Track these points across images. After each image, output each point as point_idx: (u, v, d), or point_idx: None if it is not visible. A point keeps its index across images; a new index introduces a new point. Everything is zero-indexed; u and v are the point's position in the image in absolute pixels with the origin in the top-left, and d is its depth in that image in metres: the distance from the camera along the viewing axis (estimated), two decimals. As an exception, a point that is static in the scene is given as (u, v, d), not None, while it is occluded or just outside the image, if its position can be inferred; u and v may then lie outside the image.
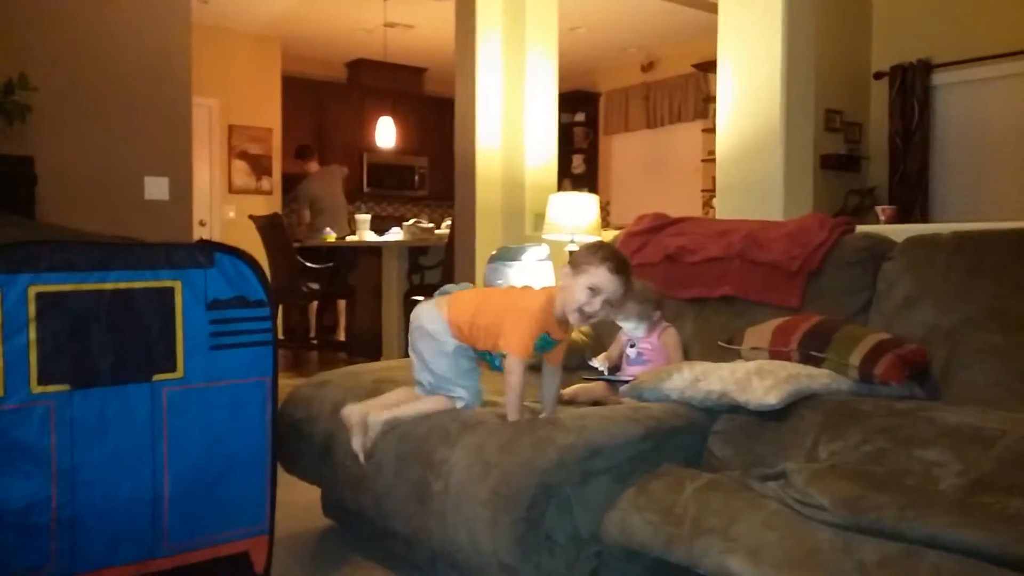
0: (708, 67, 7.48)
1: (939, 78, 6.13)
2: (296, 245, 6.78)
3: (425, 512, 2.10)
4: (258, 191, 8.59)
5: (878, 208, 5.30)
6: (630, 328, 2.90)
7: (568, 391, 2.58)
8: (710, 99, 7.87)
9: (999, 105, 5.94)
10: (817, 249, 2.82)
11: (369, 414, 2.33)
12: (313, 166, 8.12)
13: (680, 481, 1.98)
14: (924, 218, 6.01)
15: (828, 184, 5.92)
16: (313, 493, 2.87)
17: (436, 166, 9.76)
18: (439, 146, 9.06)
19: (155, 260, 1.98)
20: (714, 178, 4.26)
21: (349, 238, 7.17)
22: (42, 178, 4.11)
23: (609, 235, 3.97)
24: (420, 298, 2.46)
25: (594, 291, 2.17)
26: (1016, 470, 1.68)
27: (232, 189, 8.44)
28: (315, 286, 6.80)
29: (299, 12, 7.81)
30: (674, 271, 3.15)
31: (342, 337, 7.43)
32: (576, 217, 4.18)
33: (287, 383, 2.92)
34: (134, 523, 1.95)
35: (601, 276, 2.18)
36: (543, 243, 4.46)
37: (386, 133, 8.32)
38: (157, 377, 1.97)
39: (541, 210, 4.58)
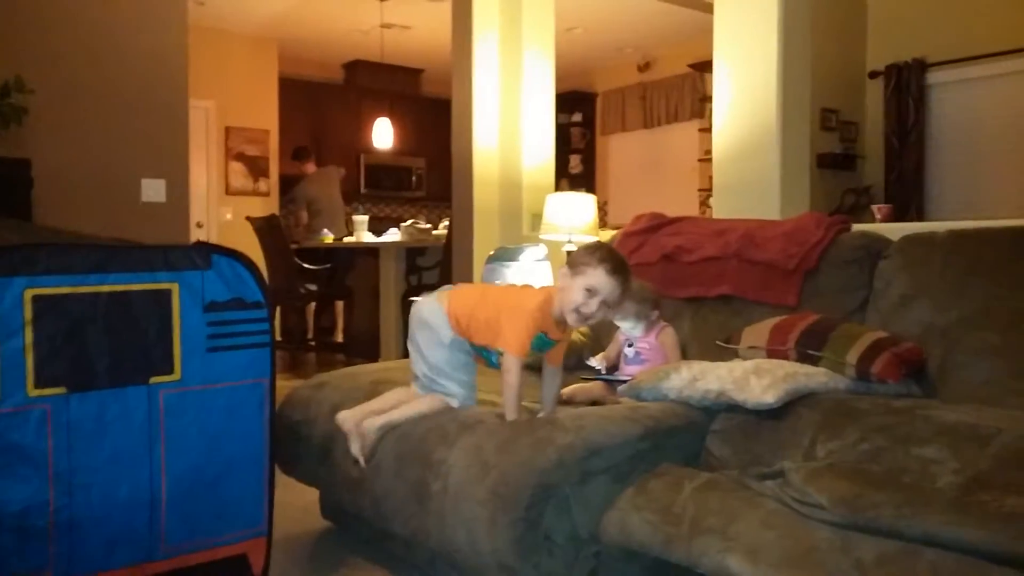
0: (704, 67, 7.48)
1: (934, 77, 6.14)
2: (293, 246, 6.77)
3: (424, 513, 2.09)
4: (255, 193, 8.59)
5: (874, 207, 5.30)
6: (628, 328, 2.90)
7: (566, 391, 2.58)
8: (706, 99, 7.87)
9: (994, 103, 5.95)
10: (814, 248, 2.82)
11: (363, 421, 2.32)
12: (310, 167, 8.11)
13: (678, 481, 1.99)
14: (920, 217, 6.02)
15: (824, 183, 5.93)
16: (311, 495, 2.86)
17: (433, 167, 9.76)
18: (436, 147, 9.06)
19: (152, 262, 1.97)
20: (711, 178, 4.26)
21: (347, 239, 7.17)
22: (38, 180, 4.11)
23: (606, 235, 3.97)
24: (418, 299, 2.46)
25: (591, 292, 2.17)
26: (1013, 468, 1.69)
27: (229, 191, 8.44)
28: (313, 287, 6.79)
29: (296, 14, 7.81)
30: (671, 271, 3.15)
31: (340, 338, 7.43)
32: (573, 217, 4.18)
33: (285, 385, 2.92)
34: (132, 525, 1.95)
35: (598, 277, 2.17)
36: (541, 243, 4.46)
37: (383, 134, 8.31)
38: (154, 379, 1.97)
39: (538, 210, 4.58)
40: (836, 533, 1.65)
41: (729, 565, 1.70)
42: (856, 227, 2.99)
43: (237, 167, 8.47)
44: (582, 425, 2.08)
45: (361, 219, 7.12)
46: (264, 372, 2.14)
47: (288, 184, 8.41)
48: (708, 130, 6.31)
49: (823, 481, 1.75)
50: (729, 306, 2.97)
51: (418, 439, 2.21)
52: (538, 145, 5.21)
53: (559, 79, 5.45)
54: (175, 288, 2.00)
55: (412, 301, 2.44)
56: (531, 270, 4.33)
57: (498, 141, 5.15)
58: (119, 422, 1.91)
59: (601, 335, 3.17)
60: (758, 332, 2.57)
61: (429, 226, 6.78)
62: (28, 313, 1.81)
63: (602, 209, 9.07)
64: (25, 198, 4.06)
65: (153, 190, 4.59)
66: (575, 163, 10.14)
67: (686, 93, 9.05)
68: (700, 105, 8.57)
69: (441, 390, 2.33)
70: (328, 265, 6.91)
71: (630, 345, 2.90)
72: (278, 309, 6.88)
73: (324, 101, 9.36)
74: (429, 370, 2.34)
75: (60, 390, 1.85)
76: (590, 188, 9.43)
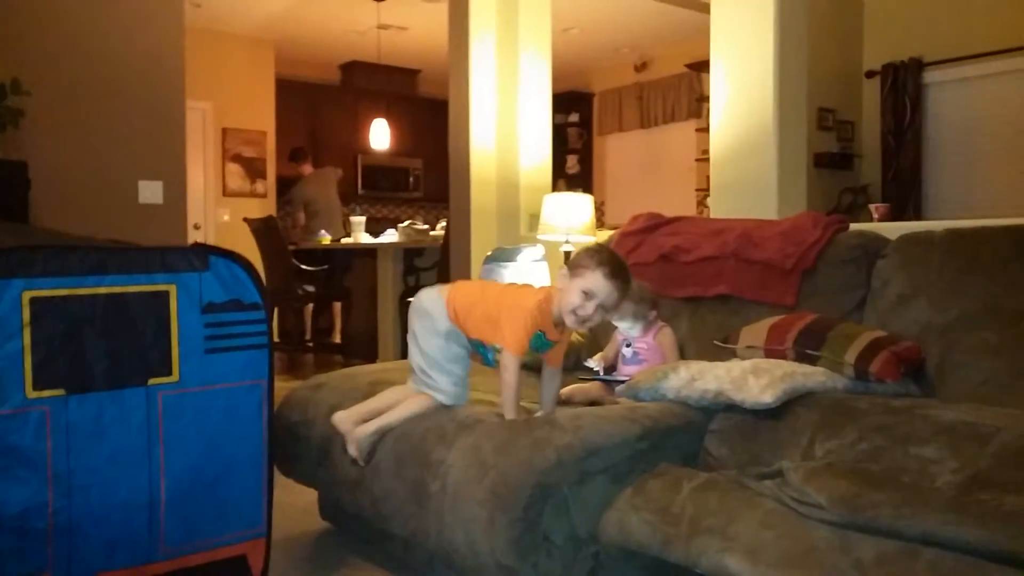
0: (701, 67, 7.49)
1: (931, 76, 6.15)
2: (291, 248, 6.77)
3: (422, 513, 2.09)
4: (252, 194, 8.58)
5: (871, 206, 5.31)
6: (626, 328, 2.90)
7: (564, 391, 2.58)
8: (703, 99, 7.88)
9: (991, 102, 5.96)
10: (811, 247, 2.82)
11: (356, 429, 2.32)
12: (307, 169, 8.11)
13: (677, 481, 1.99)
14: (917, 216, 6.03)
15: (821, 182, 5.94)
16: (310, 496, 2.87)
17: (431, 168, 9.76)
18: (433, 148, 9.06)
19: (150, 264, 1.97)
20: (708, 177, 4.26)
21: (344, 240, 7.17)
22: (36, 183, 4.10)
23: (604, 235, 3.98)
24: (420, 292, 2.46)
25: (588, 295, 2.17)
26: (1012, 467, 1.69)
27: (226, 192, 8.43)
28: (310, 288, 6.79)
29: (292, 15, 7.81)
30: (669, 270, 3.15)
31: (338, 339, 7.43)
32: (571, 217, 4.18)
33: (283, 386, 2.92)
34: (131, 527, 1.95)
35: (596, 281, 2.17)
36: (538, 244, 4.47)
37: (380, 135, 8.31)
38: (152, 381, 1.97)
39: (536, 211, 4.58)
40: (835, 533, 1.65)
41: (728, 565, 1.70)
42: (854, 226, 2.99)
43: (234, 168, 8.46)
44: (580, 425, 2.08)
45: (358, 220, 7.12)
46: (262, 373, 2.14)
47: (285, 185, 8.41)
48: (705, 130, 6.32)
49: (822, 481, 1.75)
50: (727, 306, 2.97)
51: (417, 439, 2.21)
52: (535, 145, 5.21)
53: (556, 79, 5.45)
54: (173, 290, 2.00)
55: (410, 302, 2.44)
56: (529, 270, 4.34)
57: (495, 141, 5.15)
58: (118, 424, 1.92)
59: (599, 335, 3.17)
60: (756, 332, 2.57)
61: (426, 227, 6.78)
62: (26, 315, 1.81)
63: (599, 209, 9.07)
64: (22, 200, 4.05)
65: (150, 192, 4.59)
66: (572, 163, 10.14)
67: (683, 93, 9.05)
68: (697, 105, 8.58)
69: (432, 384, 2.32)
70: (326, 266, 6.91)
71: (628, 345, 2.91)
72: (276, 310, 6.88)
73: (321, 102, 9.35)
74: (423, 360, 2.33)
75: (59, 392, 1.85)
76: (587, 188, 9.43)
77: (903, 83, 6.15)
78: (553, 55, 5.32)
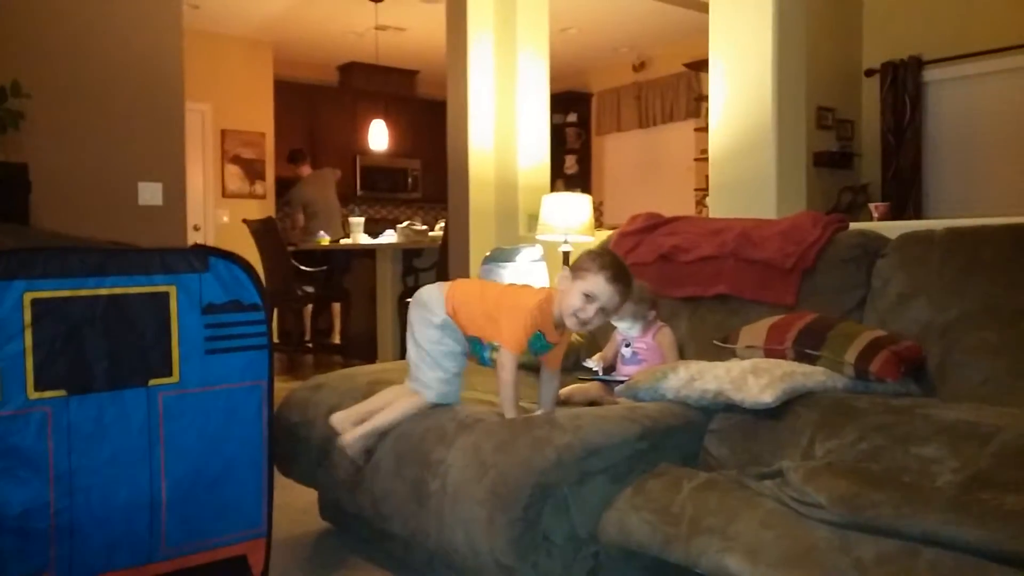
0: (700, 66, 7.48)
1: (930, 74, 6.14)
2: (290, 249, 6.77)
3: (422, 512, 2.10)
4: (251, 195, 8.58)
5: (871, 205, 5.31)
6: (625, 328, 2.90)
7: (564, 391, 2.58)
8: (702, 98, 7.88)
9: (991, 101, 5.95)
10: (811, 247, 2.82)
11: (345, 435, 2.33)
12: (306, 170, 8.11)
13: (677, 480, 1.99)
14: (917, 215, 6.02)
15: (821, 182, 5.94)
16: (310, 496, 2.87)
17: (429, 168, 9.76)
18: (432, 148, 9.07)
19: (150, 265, 1.98)
20: (707, 177, 4.26)
21: (343, 241, 7.17)
22: (36, 185, 4.11)
23: (602, 235, 3.98)
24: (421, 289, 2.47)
25: (589, 298, 2.17)
26: (1013, 466, 1.69)
27: (225, 193, 8.44)
28: (310, 289, 6.80)
29: (290, 16, 7.81)
30: (668, 270, 3.15)
31: (337, 340, 7.43)
32: (569, 217, 4.18)
33: (283, 387, 2.92)
34: (132, 527, 1.95)
35: (597, 284, 2.17)
36: (537, 244, 4.47)
37: (379, 136, 8.32)
38: (153, 382, 1.97)
39: (534, 211, 4.59)
40: (835, 532, 1.65)
41: (728, 565, 1.70)
42: (853, 226, 2.99)
43: (233, 170, 8.47)
44: (580, 425, 2.08)
45: (357, 221, 7.13)
46: (262, 374, 2.14)
47: (284, 187, 8.42)
48: (704, 129, 6.32)
49: (822, 480, 1.75)
50: (726, 306, 2.97)
51: (417, 439, 2.21)
52: (533, 145, 5.22)
53: (554, 79, 5.46)
54: (173, 291, 2.00)
55: (409, 302, 2.44)
56: (527, 271, 4.34)
57: (493, 142, 5.16)
58: (118, 424, 1.92)
59: (598, 335, 3.17)
60: (755, 331, 2.58)
61: (425, 227, 6.78)
62: (27, 316, 1.81)
63: (598, 209, 9.08)
64: (23, 202, 4.06)
65: (150, 193, 4.59)
66: (571, 163, 10.15)
67: (681, 92, 9.06)
68: (696, 104, 8.58)
69: (420, 379, 2.31)
70: (325, 267, 6.91)
71: (627, 345, 2.91)
72: (275, 311, 6.88)
73: (319, 103, 9.36)
74: (416, 353, 2.33)
75: (60, 393, 1.85)
76: (586, 188, 9.44)
77: (903, 81, 6.15)
78: (551, 55, 5.33)
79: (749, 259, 2.95)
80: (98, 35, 4.45)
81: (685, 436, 2.24)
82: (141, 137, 4.57)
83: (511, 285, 2.49)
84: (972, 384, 2.27)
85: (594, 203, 4.43)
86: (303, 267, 6.70)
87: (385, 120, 8.58)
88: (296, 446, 2.62)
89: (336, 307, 7.37)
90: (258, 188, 8.63)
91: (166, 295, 1.99)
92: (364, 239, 6.90)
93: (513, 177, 5.16)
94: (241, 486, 2.12)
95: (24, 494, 1.82)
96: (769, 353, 2.47)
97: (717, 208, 4.04)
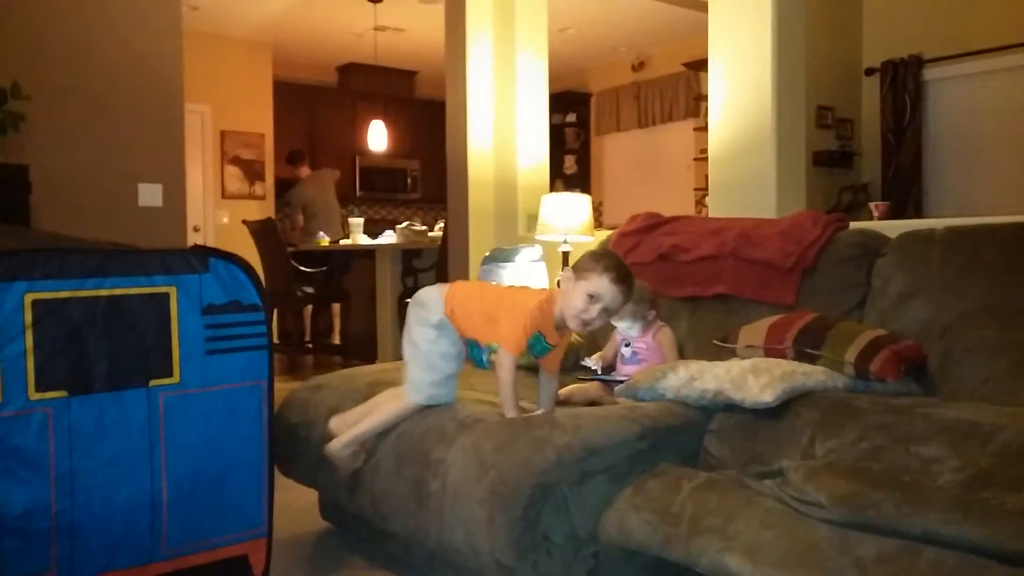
0: (699, 65, 7.49)
1: (930, 73, 6.15)
2: (290, 249, 6.77)
3: (422, 512, 2.10)
4: (251, 196, 8.58)
5: (871, 204, 5.32)
6: (625, 328, 2.90)
7: (563, 391, 2.59)
8: (701, 97, 7.88)
9: (991, 99, 5.96)
10: (811, 246, 2.82)
11: (330, 444, 2.33)
12: (305, 171, 8.11)
13: (677, 480, 1.99)
14: (918, 214, 6.03)
15: (821, 181, 5.95)
16: (311, 496, 2.87)
17: (428, 169, 9.76)
18: (431, 149, 9.07)
19: (150, 266, 1.98)
20: (707, 176, 4.26)
21: (343, 242, 7.17)
22: (36, 186, 4.11)
23: (602, 235, 3.98)
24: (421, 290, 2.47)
25: (593, 298, 2.17)
26: (1014, 465, 1.69)
27: (225, 194, 8.44)
28: (309, 290, 6.80)
29: (289, 17, 7.81)
30: (668, 270, 3.15)
31: (337, 340, 7.43)
32: (569, 218, 4.18)
33: (283, 387, 2.93)
34: (133, 527, 1.96)
35: (601, 284, 2.17)
36: (536, 244, 4.47)
37: (378, 136, 8.32)
38: (154, 382, 1.97)
39: (534, 211, 4.59)
40: (835, 532, 1.65)
41: (728, 564, 1.70)
42: (853, 225, 2.99)
43: (233, 171, 8.47)
44: (580, 425, 2.09)
45: (357, 221, 7.13)
46: (262, 374, 2.14)
47: (283, 187, 8.42)
48: (703, 129, 6.31)
49: (822, 480, 1.75)
50: (726, 305, 2.97)
51: (417, 438, 2.21)
52: (532, 146, 5.22)
53: (553, 79, 5.46)
54: (173, 291, 2.00)
55: (408, 303, 2.44)
56: (527, 271, 4.34)
57: (492, 142, 5.16)
58: (119, 425, 1.92)
59: (597, 335, 3.17)
60: (755, 331, 2.57)
61: (425, 228, 6.79)
62: (28, 317, 1.81)
63: (597, 209, 9.08)
64: (23, 204, 4.06)
65: (150, 194, 4.60)
66: (570, 163, 10.15)
67: (681, 92, 9.06)
68: (695, 104, 8.58)
69: (411, 379, 2.30)
70: (324, 268, 6.92)
71: (627, 345, 2.91)
72: (275, 312, 6.88)
73: (318, 104, 9.36)
74: (411, 353, 2.32)
75: (61, 393, 1.85)
76: (585, 188, 9.44)
77: (903, 80, 6.16)
78: (550, 55, 5.33)
79: (749, 259, 2.95)
80: (97, 37, 4.45)
81: (685, 436, 2.24)
82: (141, 138, 4.57)
83: (511, 286, 2.49)
84: (973, 383, 2.26)
85: (593, 203, 4.43)
86: (303, 268, 6.70)
87: (384, 121, 8.58)
88: (296, 446, 2.62)
89: (336, 308, 7.37)
90: (258, 189, 8.63)
91: (166, 296, 1.99)
92: (363, 240, 6.90)
93: (512, 177, 5.16)
94: (242, 486, 2.12)
95: (25, 494, 1.82)
96: (769, 353, 2.47)
97: (717, 208, 4.04)
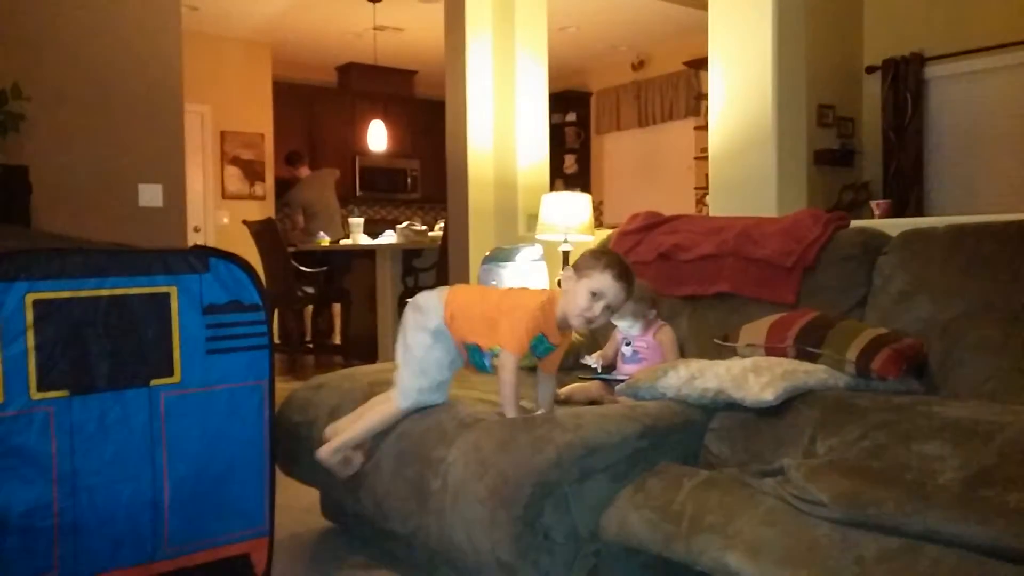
0: (699, 64, 7.49)
1: (932, 71, 6.14)
2: (290, 250, 6.77)
3: (423, 511, 2.10)
4: (251, 196, 8.58)
5: (872, 203, 5.30)
6: (625, 327, 2.90)
7: (564, 390, 2.59)
8: (702, 96, 7.87)
9: (993, 97, 5.94)
10: (812, 245, 2.82)
11: (320, 450, 2.34)
12: (304, 171, 8.11)
13: (677, 479, 1.99)
14: (919, 212, 6.01)
15: (822, 180, 5.94)
16: (312, 495, 2.87)
17: (428, 168, 9.76)
18: (431, 149, 9.07)
19: (151, 266, 1.98)
20: (707, 175, 4.26)
21: (343, 242, 7.17)
22: (37, 187, 4.12)
23: (602, 234, 3.98)
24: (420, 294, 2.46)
25: (597, 296, 2.17)
26: (1015, 464, 1.68)
27: (225, 195, 8.44)
28: (310, 290, 6.80)
29: (288, 17, 7.81)
30: (668, 269, 3.15)
31: (338, 340, 7.43)
32: (569, 217, 4.18)
33: (284, 387, 2.93)
34: (135, 526, 1.96)
35: (604, 281, 2.17)
36: (536, 243, 4.47)
37: (378, 136, 8.32)
38: (155, 382, 1.97)
39: (534, 210, 4.59)
40: (837, 530, 1.65)
41: (729, 563, 1.70)
42: (854, 223, 2.99)
43: (233, 171, 8.47)
44: (580, 424, 2.09)
45: (357, 221, 7.13)
46: (263, 374, 2.15)
47: (284, 188, 8.42)
48: (704, 128, 6.31)
49: (823, 478, 1.75)
50: (726, 304, 2.97)
51: (417, 437, 2.21)
52: (532, 145, 5.22)
53: (553, 78, 5.46)
54: (173, 291, 2.00)
55: (407, 304, 2.44)
56: (527, 270, 4.34)
57: (492, 142, 5.15)
58: (121, 424, 1.93)
59: (598, 334, 3.17)
60: (756, 330, 2.57)
61: (425, 228, 6.79)
62: (30, 317, 1.82)
63: (598, 208, 9.08)
64: (24, 204, 4.07)
65: (150, 195, 4.60)
66: (570, 163, 10.15)
67: (681, 91, 9.06)
68: (695, 103, 8.58)
69: (400, 384, 2.29)
70: (325, 268, 6.92)
71: (628, 344, 2.90)
72: (276, 312, 6.88)
73: (318, 104, 9.36)
74: (403, 357, 2.31)
75: (62, 393, 1.86)
76: (585, 188, 9.44)
77: (904, 78, 6.14)
78: (550, 54, 5.33)
79: (749, 257, 2.94)
80: (97, 38, 4.46)
81: (686, 434, 2.24)
82: (141, 139, 4.58)
83: (511, 288, 2.49)
84: (974, 381, 2.26)
85: (594, 202, 4.43)
86: (303, 268, 6.70)
87: (384, 120, 8.58)
88: (298, 446, 2.62)
89: (336, 308, 7.37)
90: (258, 189, 8.63)
91: (167, 296, 1.99)
92: (364, 240, 6.90)
93: (512, 177, 5.16)
94: (243, 485, 2.13)
95: (28, 494, 1.82)
96: (770, 351, 2.47)
97: (717, 206, 4.04)
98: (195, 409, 2.03)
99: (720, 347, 2.65)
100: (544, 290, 2.35)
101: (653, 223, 3.40)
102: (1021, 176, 5.78)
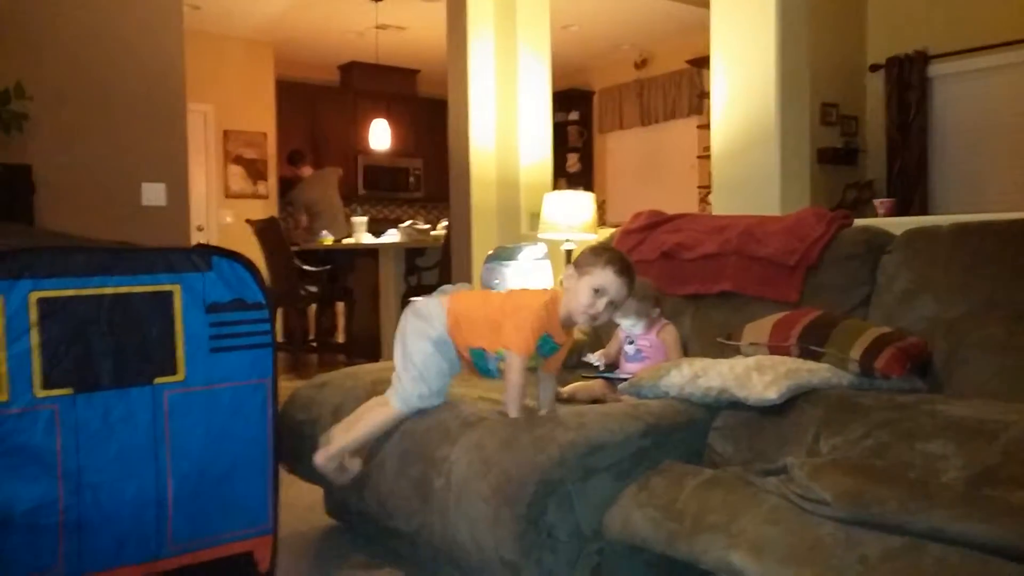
0: (702, 63, 7.48)
1: (935, 69, 6.12)
2: (293, 248, 6.78)
3: (427, 509, 2.10)
4: (254, 195, 8.59)
5: (876, 201, 5.30)
6: (629, 325, 2.90)
7: (567, 389, 2.59)
8: (705, 95, 7.87)
9: (997, 95, 5.93)
10: (815, 243, 2.82)
11: (318, 456, 2.34)
12: (306, 170, 8.11)
13: (681, 477, 1.99)
14: (923, 211, 6.00)
15: (826, 178, 5.93)
16: (316, 493, 2.87)
17: (431, 167, 9.76)
18: (433, 147, 9.07)
19: (154, 265, 1.98)
20: (710, 174, 4.26)
21: (346, 241, 7.18)
22: (40, 186, 4.13)
23: (605, 233, 3.98)
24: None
25: (599, 293, 2.17)
26: (1020, 463, 1.68)
27: (228, 194, 8.45)
28: (313, 289, 6.80)
29: (291, 16, 7.81)
30: (671, 268, 3.15)
31: (341, 339, 7.44)
32: (572, 216, 4.18)
33: (287, 385, 2.93)
34: (139, 524, 1.97)
35: (606, 277, 2.17)
36: (539, 242, 4.47)
37: (380, 135, 8.32)
38: (158, 380, 1.98)
39: (537, 209, 4.59)
40: (840, 529, 1.65)
41: (733, 561, 1.70)
42: (858, 222, 2.99)
43: (236, 170, 8.48)
44: (583, 423, 2.09)
45: (360, 220, 7.13)
46: (266, 372, 2.15)
47: (287, 186, 8.43)
48: (706, 127, 6.31)
49: (827, 477, 1.74)
50: (730, 303, 2.97)
51: (420, 436, 2.21)
52: (535, 144, 5.22)
53: (555, 77, 5.46)
54: (177, 290, 2.01)
55: (412, 301, 2.42)
56: (530, 269, 4.33)
57: (495, 141, 5.15)
58: (125, 422, 1.93)
59: (601, 332, 3.17)
60: (759, 328, 2.57)
61: (428, 227, 6.79)
62: (33, 315, 1.82)
63: (600, 207, 9.05)
64: (27, 203, 4.08)
65: (153, 194, 4.61)
66: (573, 161, 10.14)
67: (684, 89, 9.05)
68: (698, 101, 8.57)
69: (400, 390, 2.28)
70: (328, 267, 6.92)
71: (631, 343, 2.90)
72: (280, 311, 6.89)
73: (321, 103, 9.37)
74: (403, 364, 2.29)
75: (67, 391, 1.86)
76: (588, 186, 9.42)
77: (908, 77, 6.13)
78: (553, 53, 5.32)
79: (753, 256, 2.94)
80: (100, 37, 4.46)
81: (689, 433, 2.24)
82: (144, 138, 4.59)
83: (512, 290, 2.48)
84: (979, 380, 2.26)
85: (596, 201, 4.43)
86: (306, 267, 6.71)
87: (386, 119, 8.59)
88: (301, 444, 2.62)
89: (340, 306, 7.38)
90: (261, 188, 8.63)
91: (170, 294, 2.00)
92: (367, 238, 6.90)
93: (515, 175, 5.16)
94: (247, 483, 2.13)
95: (33, 491, 1.83)
96: (773, 350, 2.46)
97: (720, 205, 4.04)
98: (199, 407, 2.03)
99: (723, 346, 2.65)
100: (546, 290, 2.35)
101: (656, 222, 3.40)
102: (1026, 174, 5.77)
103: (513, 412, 2.18)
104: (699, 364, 2.37)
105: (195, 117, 7.63)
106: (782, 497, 1.79)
